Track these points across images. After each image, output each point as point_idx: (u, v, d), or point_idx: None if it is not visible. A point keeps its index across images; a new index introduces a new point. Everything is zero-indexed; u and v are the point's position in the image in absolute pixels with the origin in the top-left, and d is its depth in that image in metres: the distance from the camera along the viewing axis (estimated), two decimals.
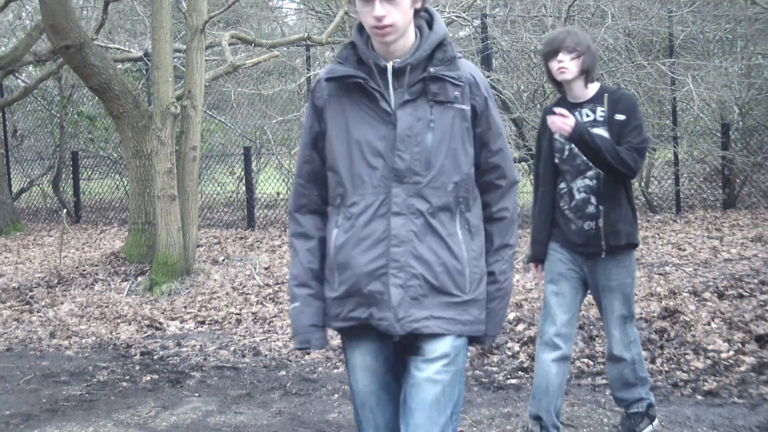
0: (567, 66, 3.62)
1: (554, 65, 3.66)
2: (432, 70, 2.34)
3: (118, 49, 11.79)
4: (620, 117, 3.61)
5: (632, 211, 3.73)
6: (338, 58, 2.40)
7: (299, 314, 2.47)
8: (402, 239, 2.33)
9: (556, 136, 3.72)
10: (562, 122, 3.54)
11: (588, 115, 3.67)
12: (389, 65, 2.35)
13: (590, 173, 3.66)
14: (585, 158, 3.62)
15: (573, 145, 3.63)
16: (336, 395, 4.86)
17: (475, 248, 2.42)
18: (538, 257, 3.88)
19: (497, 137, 2.44)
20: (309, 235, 2.49)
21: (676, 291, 5.81)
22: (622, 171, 3.55)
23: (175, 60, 8.81)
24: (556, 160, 3.76)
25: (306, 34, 9.36)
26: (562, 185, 3.75)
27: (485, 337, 2.46)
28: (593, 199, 3.66)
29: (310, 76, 10.07)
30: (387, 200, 2.34)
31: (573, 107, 3.69)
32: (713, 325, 5.18)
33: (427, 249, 2.34)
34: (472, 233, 2.42)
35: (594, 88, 3.72)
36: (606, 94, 3.67)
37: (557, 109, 3.59)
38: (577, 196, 3.69)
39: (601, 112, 3.65)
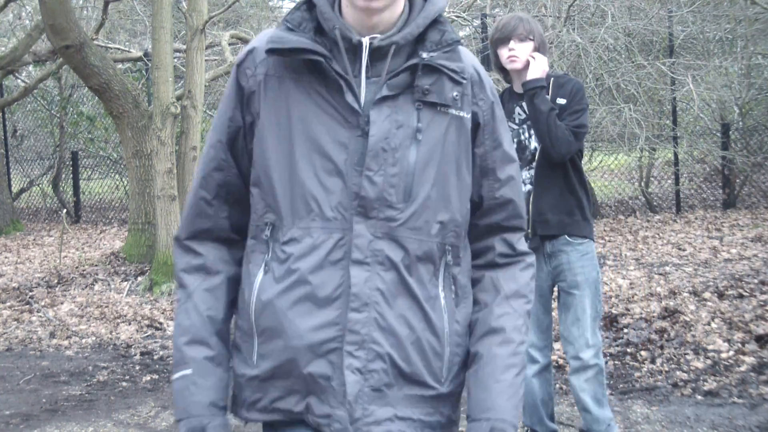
0: (518, 54, 3.45)
1: (504, 53, 3.48)
2: (425, 55, 1.59)
3: (118, 49, 11.78)
4: (561, 101, 3.42)
5: (574, 201, 3.47)
6: (288, 22, 1.61)
7: (190, 387, 1.65)
8: (364, 301, 1.57)
9: (509, 124, 3.53)
10: (522, 57, 3.40)
11: None
12: (365, 41, 1.59)
13: (534, 164, 3.48)
14: (533, 148, 3.46)
15: (523, 137, 3.49)
16: None
17: (460, 319, 1.68)
18: None
19: (507, 162, 1.71)
20: (210, 270, 1.69)
21: (676, 291, 5.81)
22: (553, 147, 3.34)
23: (175, 60, 8.81)
24: None
25: None
26: None
27: (501, 425, 1.62)
28: (533, 187, 3.49)
29: None
30: (345, 241, 1.58)
31: (519, 98, 3.52)
32: (713, 325, 5.18)
33: (397, 317, 1.59)
34: (458, 297, 1.68)
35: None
36: (552, 79, 3.49)
37: (534, 54, 3.44)
38: (523, 188, 3.49)
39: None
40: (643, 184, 10.09)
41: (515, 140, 3.51)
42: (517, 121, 3.54)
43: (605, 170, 10.85)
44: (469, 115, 1.65)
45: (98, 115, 12.11)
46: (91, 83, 8.27)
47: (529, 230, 3.46)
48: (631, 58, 9.02)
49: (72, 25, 8.03)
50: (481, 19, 9.41)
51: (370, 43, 1.58)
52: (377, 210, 1.57)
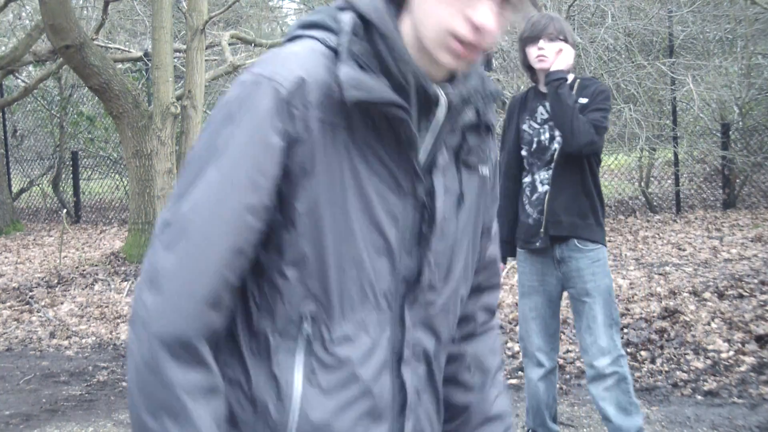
0: (547, 54, 3.41)
1: (533, 51, 3.44)
2: (480, 111, 1.32)
3: (118, 49, 11.78)
4: (582, 100, 3.39)
5: (589, 204, 3.43)
6: (357, 56, 1.19)
7: None
8: (413, 408, 1.30)
9: (524, 126, 3.52)
10: (551, 57, 3.38)
11: None
12: (442, 96, 1.26)
13: (553, 164, 3.43)
14: (554, 150, 3.42)
15: (543, 138, 3.45)
16: None
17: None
18: (505, 255, 3.63)
19: (494, 214, 1.48)
20: (217, 389, 1.18)
21: (676, 291, 5.81)
22: (573, 137, 3.30)
23: (175, 60, 8.81)
24: (524, 153, 3.52)
25: None
26: (527, 179, 3.51)
27: None
28: (550, 187, 3.44)
29: None
30: (393, 337, 1.26)
31: (544, 97, 3.48)
32: (713, 325, 5.18)
33: (426, 419, 1.34)
34: None
35: (569, 78, 3.47)
36: (578, 81, 3.47)
37: (562, 45, 3.40)
38: (540, 188, 3.47)
39: None
40: (643, 184, 10.09)
41: (535, 140, 3.48)
42: (539, 121, 3.50)
43: (605, 170, 10.85)
44: (488, 173, 1.39)
45: (98, 115, 12.11)
46: (91, 83, 8.27)
47: (542, 230, 3.43)
48: (631, 58, 9.02)
49: (72, 25, 8.03)
50: None
51: (449, 99, 1.26)
52: (422, 295, 1.28)
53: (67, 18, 7.99)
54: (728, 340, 4.95)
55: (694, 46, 9.95)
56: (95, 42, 9.23)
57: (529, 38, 3.46)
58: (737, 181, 9.76)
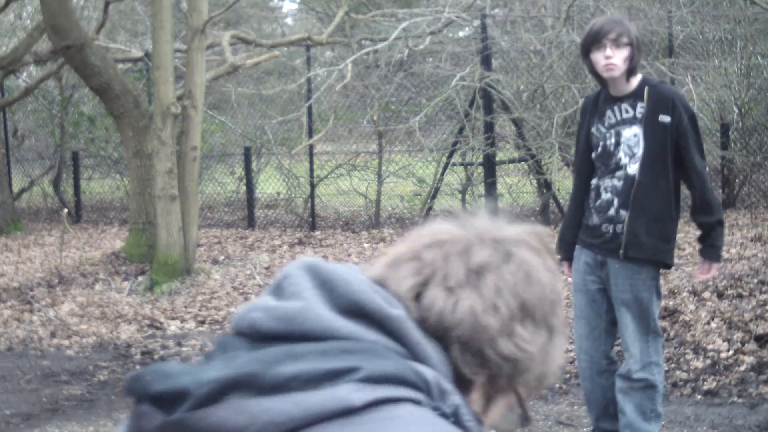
0: (616, 62, 3.29)
1: (599, 59, 3.31)
2: None
3: (119, 49, 11.80)
4: (665, 119, 3.28)
5: (671, 227, 3.40)
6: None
7: None
8: None
9: (593, 129, 3.49)
10: (707, 275, 3.45)
11: (627, 111, 3.39)
12: None
13: (619, 173, 3.38)
14: (618, 158, 3.39)
15: (609, 142, 3.41)
16: None
17: None
18: (564, 256, 3.63)
19: None
20: None
21: (676, 291, 5.82)
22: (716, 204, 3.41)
23: (176, 60, 8.81)
24: (593, 155, 3.50)
25: (306, 34, 9.37)
26: (594, 181, 3.49)
27: None
28: (616, 202, 3.40)
29: (310, 77, 10.08)
30: None
31: (614, 101, 3.41)
32: (713, 324, 5.19)
33: None
34: None
35: (636, 80, 3.39)
36: (647, 88, 3.35)
37: (698, 271, 3.50)
38: (603, 195, 3.44)
39: (640, 108, 3.35)
40: None
41: (601, 144, 3.44)
42: (606, 125, 3.45)
43: None
44: None
45: (99, 115, 12.12)
46: (92, 83, 8.28)
47: (622, 251, 3.42)
48: None
49: (73, 25, 8.04)
50: (481, 19, 9.41)
51: None
52: None
53: (67, 18, 8.00)
54: (728, 340, 4.96)
55: (694, 46, 9.95)
56: (96, 42, 9.24)
57: (593, 43, 3.33)
58: (737, 181, 9.76)
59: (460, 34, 11.77)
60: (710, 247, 3.44)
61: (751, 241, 7.46)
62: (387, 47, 9.37)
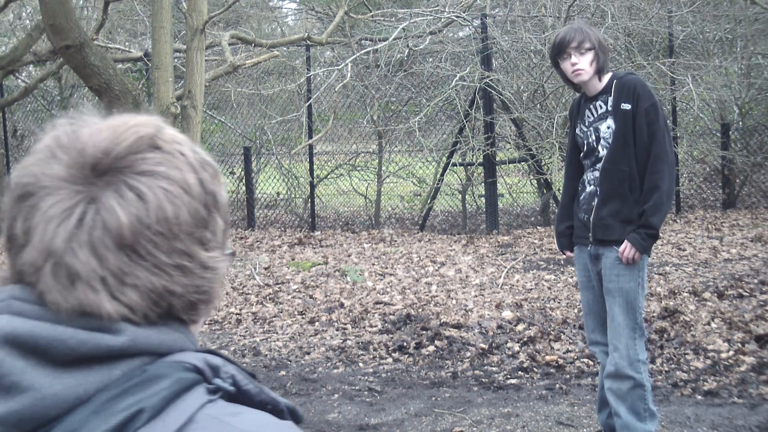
0: (582, 67, 3.48)
1: (567, 67, 3.51)
2: None
3: (119, 49, 11.79)
4: (626, 106, 3.44)
5: (636, 210, 3.46)
6: None
7: None
8: None
9: (577, 130, 3.64)
10: (630, 258, 3.42)
11: (601, 107, 3.54)
12: None
13: (599, 165, 3.53)
14: (598, 151, 3.53)
15: (591, 139, 3.55)
16: (336, 395, 4.86)
17: None
18: (561, 247, 3.80)
19: None
20: None
21: (676, 291, 5.81)
22: (672, 182, 3.44)
23: (175, 60, 8.81)
24: (581, 155, 3.66)
25: (306, 34, 9.37)
26: (583, 177, 3.65)
27: None
28: (597, 191, 3.54)
29: (310, 76, 10.08)
30: None
31: (590, 101, 3.58)
32: (713, 325, 5.18)
33: None
34: None
35: (607, 77, 3.57)
36: (615, 81, 3.51)
37: (623, 249, 3.45)
38: (588, 188, 3.59)
39: (611, 101, 3.50)
40: None
41: (585, 142, 3.59)
42: (586, 124, 3.60)
43: None
44: None
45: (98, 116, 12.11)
46: (92, 83, 8.26)
47: (590, 234, 3.56)
48: (631, 58, 9.02)
49: (72, 25, 8.03)
50: (481, 19, 9.41)
51: None
52: None
53: (67, 18, 7.99)
54: (728, 340, 4.95)
55: (694, 46, 9.95)
56: (95, 42, 9.24)
57: (558, 54, 3.53)
58: (737, 181, 9.76)
59: (460, 34, 11.76)
60: (638, 233, 3.41)
61: (752, 241, 7.45)
62: (387, 47, 9.36)
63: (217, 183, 0.95)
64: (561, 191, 3.87)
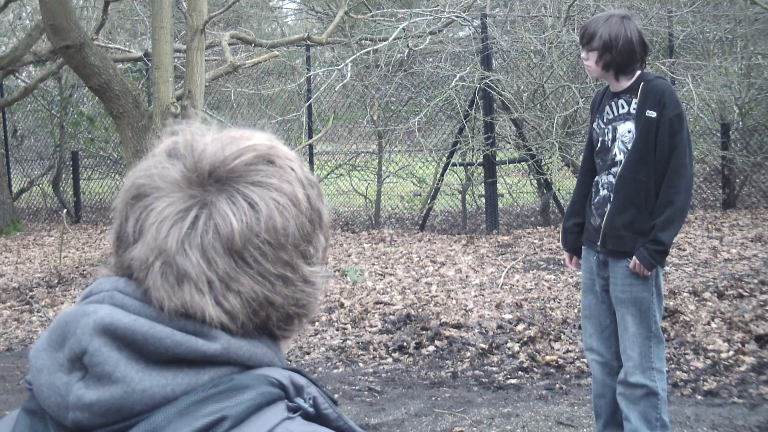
0: (589, 64, 3.44)
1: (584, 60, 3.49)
2: None
3: (118, 49, 11.79)
4: (651, 114, 3.30)
5: (650, 222, 3.34)
6: None
7: None
8: None
9: (594, 125, 3.52)
10: (641, 273, 3.33)
11: (623, 107, 3.42)
12: None
13: (614, 170, 3.39)
14: (614, 153, 3.41)
15: (607, 138, 3.44)
16: (336, 395, 4.86)
17: None
18: (565, 245, 3.67)
19: None
20: None
21: (676, 291, 5.81)
22: (688, 198, 3.32)
23: (175, 60, 8.81)
24: (595, 151, 3.54)
25: (306, 34, 9.37)
26: (596, 178, 3.52)
27: None
28: (611, 198, 3.41)
29: (310, 76, 10.08)
30: None
31: (612, 97, 3.47)
32: (713, 325, 5.18)
33: None
34: None
35: (635, 77, 3.42)
36: (642, 84, 3.37)
37: (633, 265, 3.34)
38: (601, 192, 3.47)
39: (634, 104, 3.37)
40: None
41: (600, 139, 3.47)
42: (605, 120, 3.49)
43: None
44: None
45: (98, 115, 12.11)
46: (92, 83, 8.27)
47: (599, 243, 3.43)
48: None
49: (72, 25, 8.03)
50: (481, 19, 9.41)
51: None
52: None
53: (67, 18, 7.99)
54: (728, 340, 4.95)
55: (694, 46, 9.95)
56: (95, 42, 9.23)
57: (581, 46, 3.51)
58: (737, 181, 9.76)
59: (460, 34, 11.76)
60: (646, 249, 3.31)
61: (752, 241, 7.45)
62: (387, 47, 9.36)
63: (322, 201, 1.00)
64: (560, 190, 3.79)
